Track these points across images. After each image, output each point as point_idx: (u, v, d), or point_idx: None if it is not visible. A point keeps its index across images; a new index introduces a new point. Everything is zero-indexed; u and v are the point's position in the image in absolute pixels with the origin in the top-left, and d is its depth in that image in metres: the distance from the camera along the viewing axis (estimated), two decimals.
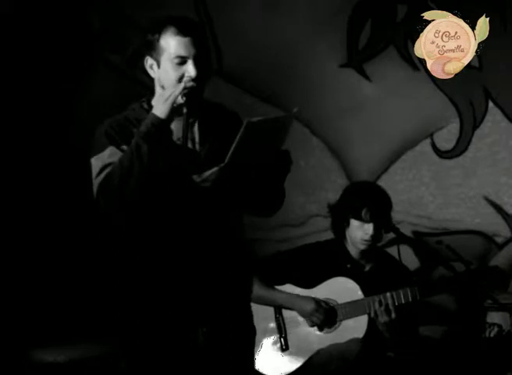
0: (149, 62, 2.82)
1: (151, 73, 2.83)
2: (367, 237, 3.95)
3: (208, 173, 2.70)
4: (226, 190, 2.77)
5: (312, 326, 3.95)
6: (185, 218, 2.77)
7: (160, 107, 2.71)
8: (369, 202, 3.94)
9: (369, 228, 3.94)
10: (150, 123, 2.70)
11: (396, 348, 3.96)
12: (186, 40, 2.75)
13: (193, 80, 2.73)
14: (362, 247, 3.99)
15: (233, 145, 2.63)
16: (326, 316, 3.93)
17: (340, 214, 4.04)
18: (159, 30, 2.78)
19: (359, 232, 3.96)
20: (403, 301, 3.88)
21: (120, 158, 2.71)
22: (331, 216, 4.14)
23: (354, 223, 3.97)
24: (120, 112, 2.89)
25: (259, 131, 2.66)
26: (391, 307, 3.85)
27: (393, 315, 3.84)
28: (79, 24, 4.90)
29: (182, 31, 2.75)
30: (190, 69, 2.74)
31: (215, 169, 2.69)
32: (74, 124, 4.83)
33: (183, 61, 2.75)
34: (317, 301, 3.94)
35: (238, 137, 2.62)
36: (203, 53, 2.77)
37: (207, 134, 2.83)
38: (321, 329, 3.95)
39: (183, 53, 2.75)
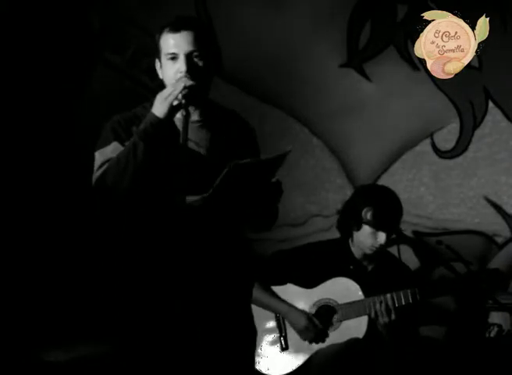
0: (157, 64, 2.85)
1: (160, 74, 2.85)
2: (377, 244, 3.93)
3: (192, 199, 2.70)
4: (216, 213, 2.77)
5: (303, 340, 3.94)
6: (185, 217, 2.77)
7: (159, 106, 2.72)
8: (387, 211, 3.92)
9: (382, 237, 3.91)
10: (148, 121, 2.71)
11: (396, 349, 3.95)
12: (176, 36, 2.76)
13: (190, 78, 2.72)
14: (369, 252, 3.98)
15: (216, 182, 2.63)
16: (317, 334, 3.91)
17: (352, 216, 4.00)
18: (159, 32, 2.81)
19: (370, 239, 3.93)
20: (403, 303, 3.87)
21: (118, 155, 2.72)
22: (340, 214, 4.11)
23: (367, 229, 3.93)
24: (120, 112, 2.89)
25: (247, 171, 2.65)
26: (391, 308, 3.84)
27: (393, 316, 3.84)
28: (79, 24, 4.90)
29: (173, 28, 2.78)
30: (180, 65, 2.75)
31: (198, 197, 2.69)
32: (74, 124, 4.83)
33: (174, 57, 2.76)
34: (309, 318, 3.93)
35: (222, 175, 2.61)
36: (199, 49, 2.77)
37: (214, 139, 2.83)
38: (310, 343, 3.94)
39: (173, 50, 2.77)
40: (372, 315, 3.85)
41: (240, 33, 5.01)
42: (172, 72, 2.77)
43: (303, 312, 3.95)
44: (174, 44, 2.76)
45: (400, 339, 3.95)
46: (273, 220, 2.92)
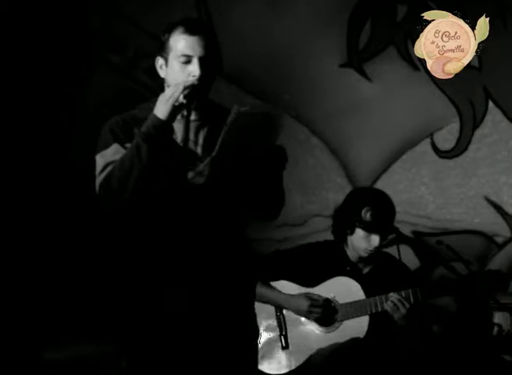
0: (159, 62, 2.84)
1: (161, 72, 2.84)
2: (371, 247, 3.93)
3: (200, 166, 2.71)
4: (222, 187, 2.76)
5: (315, 321, 3.95)
6: (185, 218, 2.77)
7: (161, 107, 2.71)
8: (377, 210, 3.91)
9: (375, 240, 3.91)
10: (150, 123, 2.71)
11: (412, 343, 3.96)
12: (192, 39, 2.76)
13: (200, 81, 2.73)
14: (364, 255, 3.98)
15: (222, 134, 2.63)
16: (323, 309, 3.92)
17: (344, 220, 4.00)
18: (169, 30, 2.80)
19: (364, 242, 3.93)
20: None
21: (121, 158, 2.72)
22: (334, 219, 4.12)
23: (360, 232, 3.93)
24: (121, 112, 2.89)
25: (249, 122, 2.65)
26: (405, 302, 3.84)
27: (409, 307, 3.84)
28: (79, 24, 4.90)
29: (189, 30, 2.77)
30: (194, 69, 2.75)
31: (206, 161, 2.69)
32: (74, 124, 4.83)
33: (188, 60, 2.76)
34: (310, 298, 3.94)
35: (227, 125, 2.62)
36: (209, 54, 2.77)
37: (212, 138, 2.83)
38: (322, 323, 3.94)
39: (188, 52, 2.76)
40: (390, 310, 3.85)
41: (240, 32, 5.01)
42: (182, 73, 2.75)
43: (301, 295, 3.95)
44: (189, 46, 2.75)
45: (417, 332, 3.96)
46: (280, 203, 2.87)
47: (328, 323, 3.95)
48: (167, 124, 2.71)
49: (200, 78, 2.74)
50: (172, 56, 2.78)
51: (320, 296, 3.95)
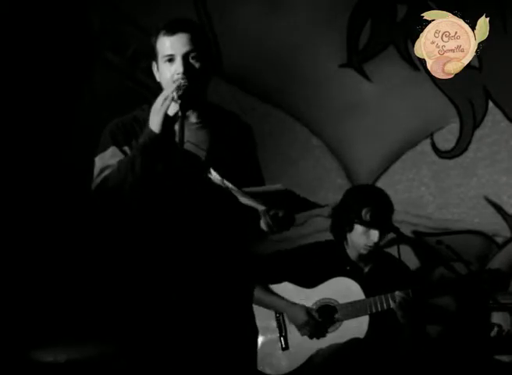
0: (154, 66, 2.85)
1: (157, 76, 2.84)
2: (371, 243, 3.93)
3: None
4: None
5: (302, 335, 3.95)
6: (186, 220, 2.76)
7: (153, 119, 2.70)
8: (376, 208, 3.91)
9: (374, 235, 3.92)
10: (146, 135, 2.70)
11: (413, 343, 3.96)
12: (172, 38, 2.77)
13: (187, 78, 2.71)
14: (364, 252, 3.97)
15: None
16: (316, 329, 3.92)
17: (343, 218, 4.01)
18: (156, 34, 2.82)
19: (363, 238, 3.94)
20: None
21: (118, 165, 2.72)
22: (332, 218, 4.12)
23: (359, 228, 3.94)
24: (120, 112, 2.89)
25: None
26: (410, 301, 3.84)
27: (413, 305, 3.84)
28: (79, 24, 4.90)
29: (169, 30, 2.78)
30: (177, 67, 2.75)
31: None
32: (73, 124, 4.83)
33: (171, 59, 2.76)
34: (309, 313, 3.93)
35: None
36: (196, 51, 2.77)
37: (214, 141, 2.83)
38: (310, 339, 3.94)
39: (170, 51, 2.77)
40: (395, 308, 3.85)
41: (240, 32, 5.01)
42: (169, 74, 2.76)
43: (302, 306, 3.95)
44: (170, 46, 2.77)
45: (420, 332, 3.96)
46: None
47: (316, 338, 3.94)
48: (161, 136, 2.69)
49: (185, 72, 2.72)
50: (159, 59, 2.80)
51: (320, 316, 3.94)
